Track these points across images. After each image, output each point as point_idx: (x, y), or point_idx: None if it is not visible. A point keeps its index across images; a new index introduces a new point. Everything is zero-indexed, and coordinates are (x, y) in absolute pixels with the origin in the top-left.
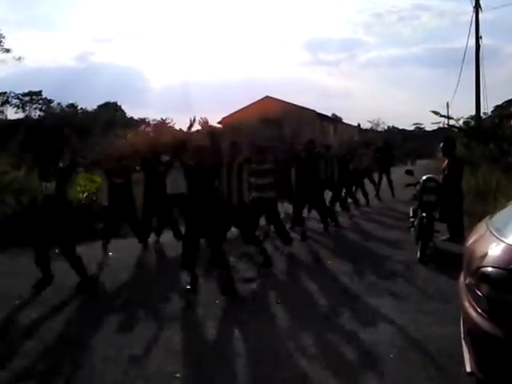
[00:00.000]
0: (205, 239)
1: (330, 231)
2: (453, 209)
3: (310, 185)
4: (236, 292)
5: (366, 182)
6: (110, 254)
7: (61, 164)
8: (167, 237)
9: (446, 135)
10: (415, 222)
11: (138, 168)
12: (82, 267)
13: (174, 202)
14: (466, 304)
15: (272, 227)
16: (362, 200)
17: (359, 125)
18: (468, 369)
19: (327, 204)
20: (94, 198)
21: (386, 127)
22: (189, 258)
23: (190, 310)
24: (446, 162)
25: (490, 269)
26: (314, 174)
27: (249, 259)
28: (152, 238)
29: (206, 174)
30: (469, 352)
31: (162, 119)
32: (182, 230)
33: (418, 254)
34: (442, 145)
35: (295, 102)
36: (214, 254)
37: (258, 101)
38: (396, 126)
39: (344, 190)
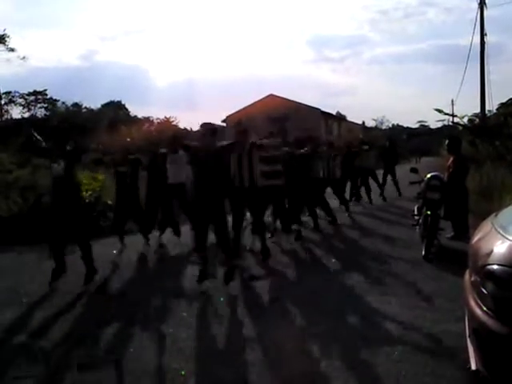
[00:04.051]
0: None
1: (331, 228)
2: (458, 207)
3: (304, 183)
4: (233, 278)
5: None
6: (114, 251)
7: (68, 147)
8: (169, 234)
9: (450, 133)
10: (420, 220)
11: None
12: (91, 256)
13: (175, 193)
14: (472, 302)
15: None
16: (364, 198)
17: (363, 123)
18: (473, 366)
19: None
20: (98, 196)
21: (390, 125)
22: (201, 242)
23: (196, 307)
24: (451, 159)
25: (495, 266)
26: (307, 172)
27: (253, 256)
28: (154, 234)
29: (213, 158)
30: (474, 350)
31: (165, 117)
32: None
33: (423, 252)
34: (447, 142)
35: (299, 100)
36: (219, 240)
37: (262, 99)
38: (400, 123)
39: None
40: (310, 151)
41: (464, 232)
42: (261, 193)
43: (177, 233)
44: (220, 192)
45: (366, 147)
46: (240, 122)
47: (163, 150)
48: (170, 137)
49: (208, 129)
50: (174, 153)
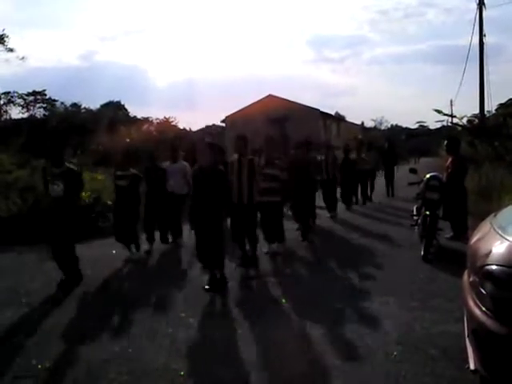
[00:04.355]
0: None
1: (334, 230)
2: (457, 207)
3: (303, 186)
4: (224, 290)
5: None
6: (114, 251)
7: (66, 164)
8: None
9: (449, 133)
10: (419, 221)
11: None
12: (77, 268)
13: (177, 203)
14: (470, 302)
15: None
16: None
17: (362, 123)
18: (472, 366)
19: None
20: (97, 196)
21: (389, 125)
22: (204, 258)
23: (195, 307)
24: (450, 160)
25: (494, 267)
26: (307, 175)
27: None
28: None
29: (211, 176)
30: (473, 350)
31: (165, 117)
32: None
33: (422, 252)
34: (446, 143)
35: (298, 101)
36: (213, 254)
37: (262, 99)
38: (399, 124)
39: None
40: (308, 157)
41: (463, 232)
42: (258, 208)
43: (164, 240)
44: (218, 208)
45: (365, 158)
46: (241, 136)
47: (165, 164)
48: (170, 147)
49: (206, 145)
50: (173, 163)
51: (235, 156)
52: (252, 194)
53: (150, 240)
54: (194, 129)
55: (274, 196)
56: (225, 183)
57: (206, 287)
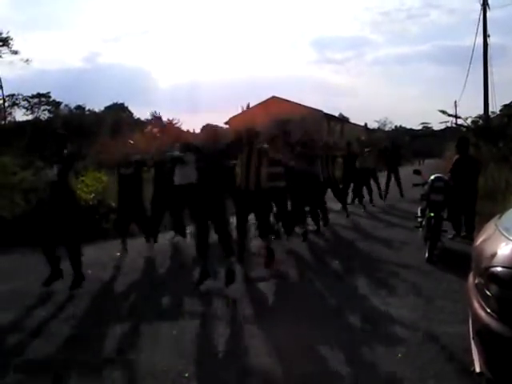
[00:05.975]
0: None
1: (336, 230)
2: (466, 207)
3: (307, 184)
4: (234, 280)
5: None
6: (118, 254)
7: (65, 151)
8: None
9: (455, 135)
10: (423, 222)
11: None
12: (79, 261)
13: (185, 194)
14: (475, 304)
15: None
16: (366, 197)
17: (366, 124)
18: (477, 369)
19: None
20: (101, 198)
21: (393, 127)
22: (202, 246)
23: (199, 308)
24: (455, 158)
25: (499, 268)
26: (310, 174)
27: (256, 259)
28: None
29: (214, 160)
30: (478, 352)
31: (168, 119)
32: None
33: (426, 254)
34: (456, 143)
35: (302, 102)
36: (221, 241)
37: (265, 101)
38: (403, 125)
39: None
40: (310, 153)
41: (470, 232)
42: (265, 195)
43: (183, 234)
44: (221, 193)
45: (367, 150)
46: (250, 127)
47: (176, 153)
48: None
49: (209, 130)
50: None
51: (245, 145)
52: (259, 180)
53: (154, 234)
54: (198, 131)
55: (278, 181)
56: (228, 168)
57: (196, 283)
